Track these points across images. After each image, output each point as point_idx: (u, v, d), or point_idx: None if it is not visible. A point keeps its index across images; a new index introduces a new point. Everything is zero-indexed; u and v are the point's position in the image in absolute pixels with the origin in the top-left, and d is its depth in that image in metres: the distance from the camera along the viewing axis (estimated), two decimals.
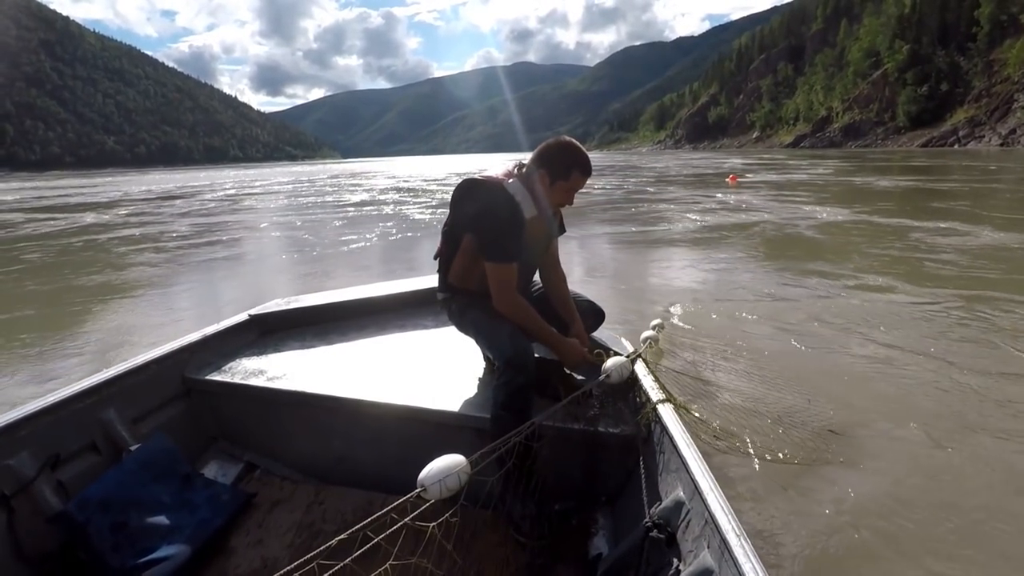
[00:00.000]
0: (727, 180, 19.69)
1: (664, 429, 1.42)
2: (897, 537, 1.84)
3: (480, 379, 1.92)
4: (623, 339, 2.08)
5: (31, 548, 1.39)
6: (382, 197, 18.36)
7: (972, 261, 5.85)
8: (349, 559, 0.90)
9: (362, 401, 1.78)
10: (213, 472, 1.89)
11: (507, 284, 1.72)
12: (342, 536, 0.94)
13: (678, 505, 1.24)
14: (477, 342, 1.92)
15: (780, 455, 2.26)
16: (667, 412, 1.48)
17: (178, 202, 19.07)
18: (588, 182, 1.84)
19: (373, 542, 0.95)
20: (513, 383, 1.58)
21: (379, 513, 0.98)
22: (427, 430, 1.75)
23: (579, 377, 1.85)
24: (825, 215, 10.11)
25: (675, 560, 1.15)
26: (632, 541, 1.30)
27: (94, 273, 6.90)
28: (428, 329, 2.41)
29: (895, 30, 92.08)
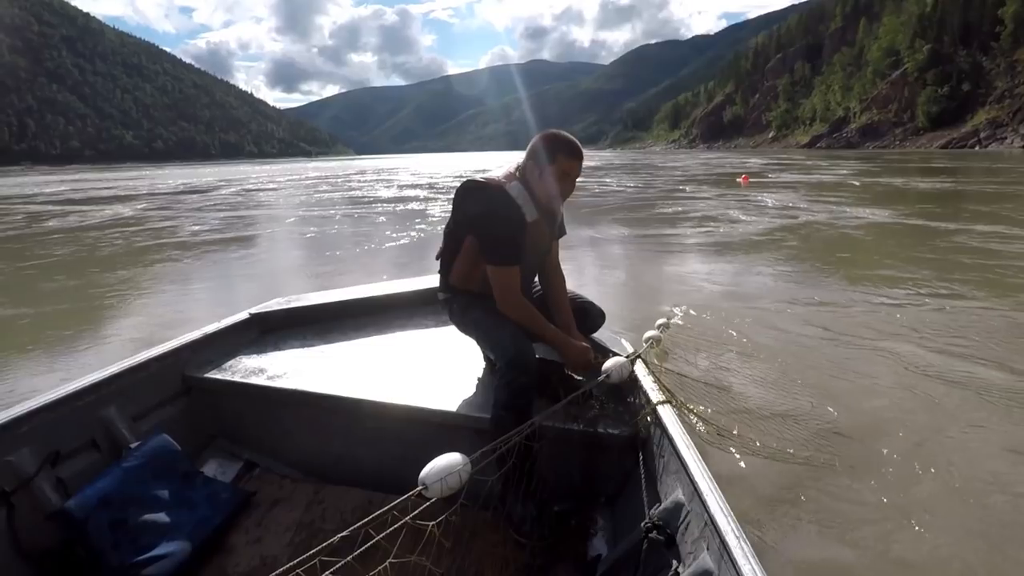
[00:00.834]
0: (739, 180, 19.52)
1: (664, 430, 1.41)
2: (899, 543, 1.80)
3: (480, 379, 1.92)
4: (623, 340, 2.07)
5: (31, 545, 1.40)
6: (412, 193, 18.28)
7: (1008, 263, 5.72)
8: (350, 557, 0.90)
9: (362, 400, 1.78)
10: (213, 470, 1.90)
11: (510, 287, 1.72)
12: (344, 533, 0.93)
13: (678, 506, 1.24)
14: (478, 342, 1.91)
15: (782, 455, 2.24)
16: (667, 413, 1.47)
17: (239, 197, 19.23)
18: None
19: (373, 540, 0.94)
20: (515, 383, 1.57)
21: (380, 511, 0.98)
22: (427, 430, 1.75)
23: (579, 377, 1.84)
24: (866, 216, 9.89)
25: (674, 561, 1.14)
26: (631, 542, 1.29)
27: (122, 268, 7.06)
28: (429, 329, 2.41)
29: (916, 29, 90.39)
